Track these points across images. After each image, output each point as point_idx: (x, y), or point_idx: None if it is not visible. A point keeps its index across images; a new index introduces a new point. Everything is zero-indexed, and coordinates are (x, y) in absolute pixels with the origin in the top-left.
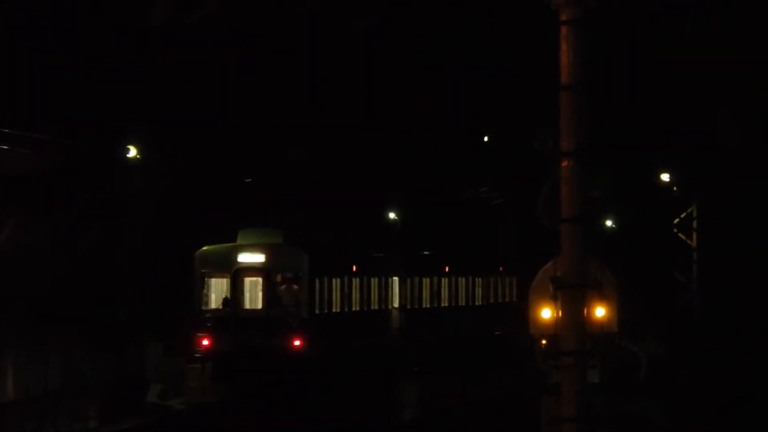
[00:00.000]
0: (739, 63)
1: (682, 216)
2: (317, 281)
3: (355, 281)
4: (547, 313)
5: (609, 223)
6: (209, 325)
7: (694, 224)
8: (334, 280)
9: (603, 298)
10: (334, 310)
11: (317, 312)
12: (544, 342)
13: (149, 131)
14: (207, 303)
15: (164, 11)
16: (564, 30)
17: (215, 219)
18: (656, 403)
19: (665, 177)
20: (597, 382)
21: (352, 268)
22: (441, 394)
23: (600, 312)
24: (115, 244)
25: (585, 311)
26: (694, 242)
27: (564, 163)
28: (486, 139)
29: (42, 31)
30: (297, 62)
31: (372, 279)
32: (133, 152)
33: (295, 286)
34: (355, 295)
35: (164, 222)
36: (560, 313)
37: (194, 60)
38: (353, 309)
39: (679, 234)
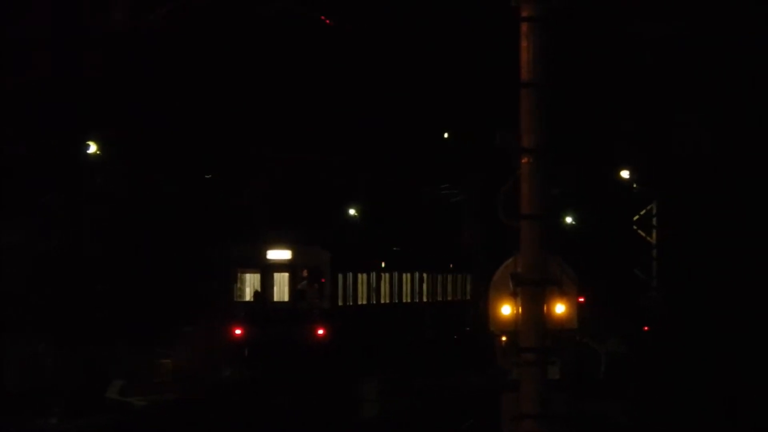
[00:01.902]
0: (699, 61)
1: (642, 213)
2: (339, 277)
3: (372, 276)
4: (507, 310)
5: (569, 220)
6: (242, 316)
7: (654, 221)
8: (354, 276)
9: (563, 294)
10: (352, 303)
11: (339, 304)
12: (503, 339)
13: (110, 129)
14: (240, 296)
15: (124, 9)
16: (524, 27)
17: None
18: (615, 402)
19: (625, 174)
20: (557, 379)
21: (368, 265)
22: (401, 391)
23: (560, 309)
24: (78, 244)
25: (545, 308)
26: (653, 239)
27: (524, 160)
28: (446, 135)
29: None
30: (259, 59)
31: (383, 274)
32: (93, 148)
33: (320, 281)
34: (370, 290)
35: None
36: (520, 310)
37: (156, 58)
38: (370, 302)
39: (639, 231)
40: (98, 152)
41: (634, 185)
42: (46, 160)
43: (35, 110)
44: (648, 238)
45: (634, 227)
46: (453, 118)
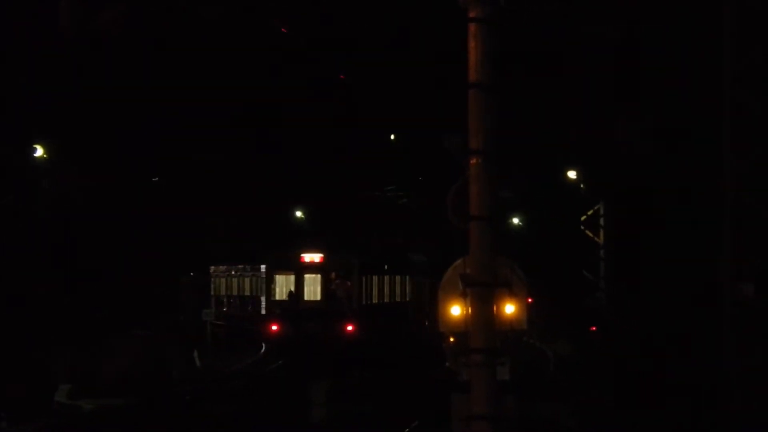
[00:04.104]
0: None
1: (589, 213)
2: (364, 278)
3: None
4: (456, 311)
5: (516, 221)
6: (277, 314)
7: (601, 221)
8: (370, 278)
9: (512, 295)
10: (375, 301)
11: (364, 303)
12: (452, 339)
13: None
14: (275, 296)
15: (72, 13)
16: (472, 28)
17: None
18: (563, 404)
19: (572, 175)
20: (507, 380)
21: (381, 268)
22: (352, 392)
23: (509, 309)
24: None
25: (495, 309)
26: (601, 239)
27: (472, 161)
28: (393, 137)
29: None
30: (207, 64)
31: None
32: (39, 152)
33: (348, 283)
34: (387, 290)
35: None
36: (470, 311)
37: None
38: (385, 301)
39: (587, 231)
40: (45, 156)
41: (581, 185)
42: None
43: None
44: (595, 239)
45: (582, 227)
46: (401, 120)
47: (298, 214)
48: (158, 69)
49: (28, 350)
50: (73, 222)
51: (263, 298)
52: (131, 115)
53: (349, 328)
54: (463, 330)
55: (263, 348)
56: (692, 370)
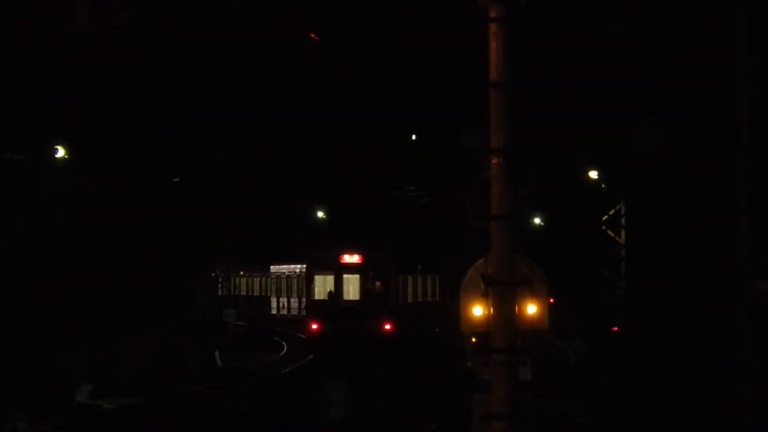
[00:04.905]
0: (664, 61)
1: (611, 213)
2: (399, 279)
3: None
4: (478, 311)
5: (537, 221)
6: (317, 312)
7: (622, 221)
8: (408, 278)
9: (534, 295)
10: (409, 301)
11: (399, 302)
12: (474, 339)
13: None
14: (315, 295)
15: (87, 12)
16: (493, 27)
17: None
18: (581, 403)
19: (593, 174)
20: (528, 379)
21: (418, 267)
22: (370, 392)
23: (532, 309)
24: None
25: (516, 308)
26: (622, 239)
27: (494, 161)
28: (414, 137)
29: None
30: (223, 63)
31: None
32: (61, 153)
33: (378, 282)
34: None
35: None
36: (491, 311)
37: (122, 60)
38: (418, 300)
39: (608, 231)
40: (66, 156)
41: (603, 185)
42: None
43: None
44: (617, 238)
45: (603, 227)
46: (421, 120)
47: (320, 214)
48: (175, 65)
49: (46, 349)
50: (85, 221)
51: (303, 298)
52: (145, 113)
53: (387, 326)
54: (484, 330)
55: (284, 348)
56: (708, 368)
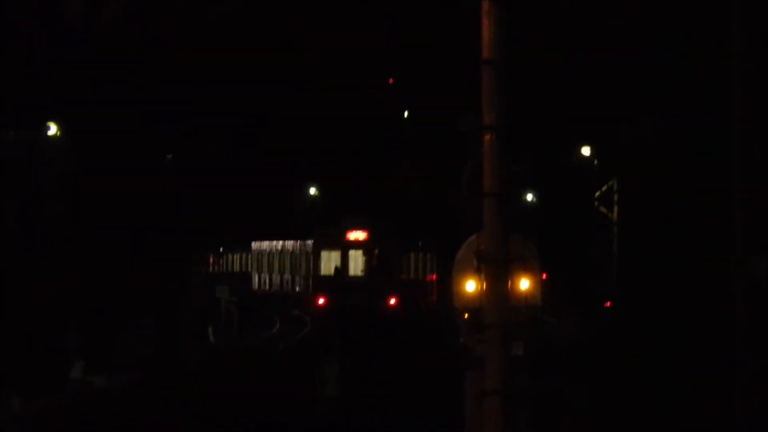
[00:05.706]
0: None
1: (603, 189)
2: (402, 256)
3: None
4: (471, 287)
5: (530, 197)
6: (324, 287)
7: (615, 198)
8: (412, 255)
9: (526, 271)
10: (412, 277)
11: (403, 278)
12: (467, 315)
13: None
14: (321, 271)
15: (76, 6)
16: (486, 5)
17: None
18: (574, 382)
19: (586, 151)
20: (521, 355)
21: (419, 245)
22: (364, 369)
23: (524, 285)
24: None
25: (509, 284)
26: (615, 216)
27: (485, 137)
28: (406, 114)
29: None
30: (218, 48)
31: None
32: (53, 130)
33: (388, 259)
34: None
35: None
36: (484, 287)
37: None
38: (418, 278)
39: (601, 208)
40: (58, 134)
41: (595, 162)
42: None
43: None
44: (609, 215)
45: (596, 203)
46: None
47: (313, 191)
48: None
49: (41, 326)
50: (82, 206)
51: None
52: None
53: (392, 301)
54: (477, 306)
55: (277, 324)
56: (700, 343)
